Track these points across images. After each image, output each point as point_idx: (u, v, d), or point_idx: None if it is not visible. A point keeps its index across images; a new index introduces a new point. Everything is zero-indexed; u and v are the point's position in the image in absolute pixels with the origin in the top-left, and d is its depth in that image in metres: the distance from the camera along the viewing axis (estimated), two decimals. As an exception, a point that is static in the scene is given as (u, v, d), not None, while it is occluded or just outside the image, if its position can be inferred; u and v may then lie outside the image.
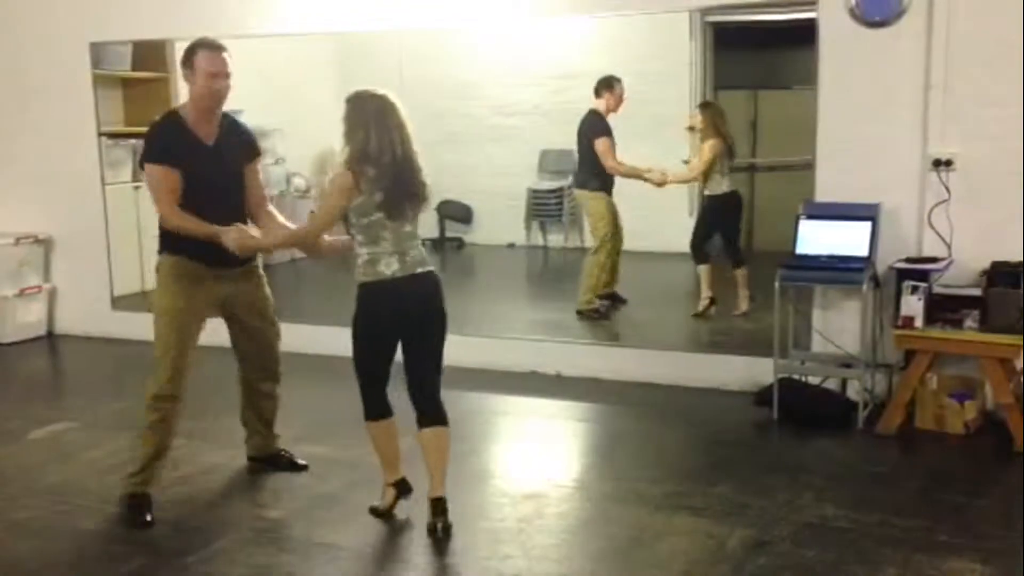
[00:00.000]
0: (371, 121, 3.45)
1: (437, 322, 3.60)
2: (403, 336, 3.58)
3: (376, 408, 3.64)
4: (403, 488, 3.73)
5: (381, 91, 3.53)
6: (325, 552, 3.51)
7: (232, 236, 3.64)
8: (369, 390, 3.63)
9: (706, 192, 6.39)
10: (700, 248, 6.39)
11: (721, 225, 6.40)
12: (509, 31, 7.06)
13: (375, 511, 3.73)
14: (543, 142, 7.92)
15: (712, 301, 6.33)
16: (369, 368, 3.61)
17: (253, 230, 3.78)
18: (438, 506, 3.55)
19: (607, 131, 6.29)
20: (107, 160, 6.70)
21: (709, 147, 6.21)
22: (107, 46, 6.68)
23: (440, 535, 3.52)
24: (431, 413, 3.60)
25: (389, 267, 3.50)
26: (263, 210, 3.97)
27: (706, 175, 6.30)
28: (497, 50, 7.70)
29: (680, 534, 3.56)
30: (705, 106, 6.36)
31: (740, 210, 6.51)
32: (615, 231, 6.42)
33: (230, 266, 3.86)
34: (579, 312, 6.38)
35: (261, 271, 4.07)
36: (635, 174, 6.31)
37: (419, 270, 3.55)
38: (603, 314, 6.38)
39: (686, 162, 6.54)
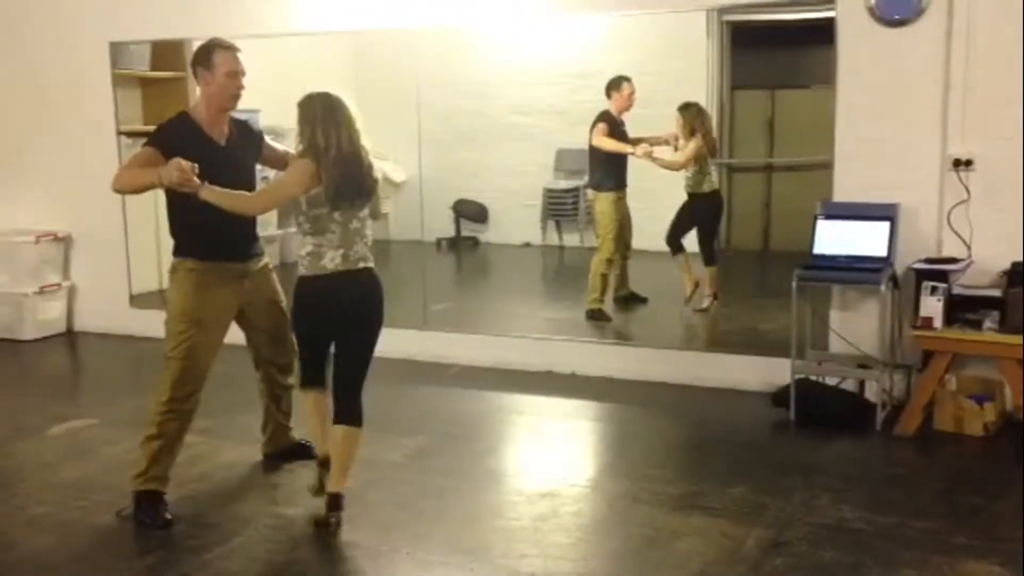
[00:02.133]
0: (317, 118, 3.53)
1: (369, 322, 3.67)
2: (336, 331, 3.66)
3: (308, 379, 3.80)
4: (326, 464, 3.76)
5: (329, 91, 3.60)
6: (341, 550, 3.53)
7: (167, 171, 3.43)
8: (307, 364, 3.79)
9: (688, 190, 6.40)
10: (675, 240, 6.42)
11: (699, 223, 6.42)
12: (525, 29, 7.06)
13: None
14: (559, 141, 7.91)
15: (696, 285, 6.35)
16: (307, 354, 3.77)
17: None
18: (333, 501, 3.62)
19: (605, 119, 6.31)
20: (125, 159, 6.73)
21: (693, 144, 6.26)
22: (126, 46, 6.71)
23: (331, 531, 3.58)
24: (347, 412, 3.64)
25: (332, 261, 3.57)
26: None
27: (694, 175, 6.34)
28: (513, 49, 7.71)
29: (696, 534, 3.55)
30: (685, 107, 6.37)
31: (720, 210, 6.56)
32: (620, 233, 6.43)
33: (245, 260, 3.89)
34: (586, 313, 6.39)
35: (271, 266, 4.11)
36: (620, 150, 6.31)
37: (360, 265, 3.63)
38: (607, 318, 6.37)
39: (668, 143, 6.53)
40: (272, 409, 4.26)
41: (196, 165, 3.48)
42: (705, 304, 6.34)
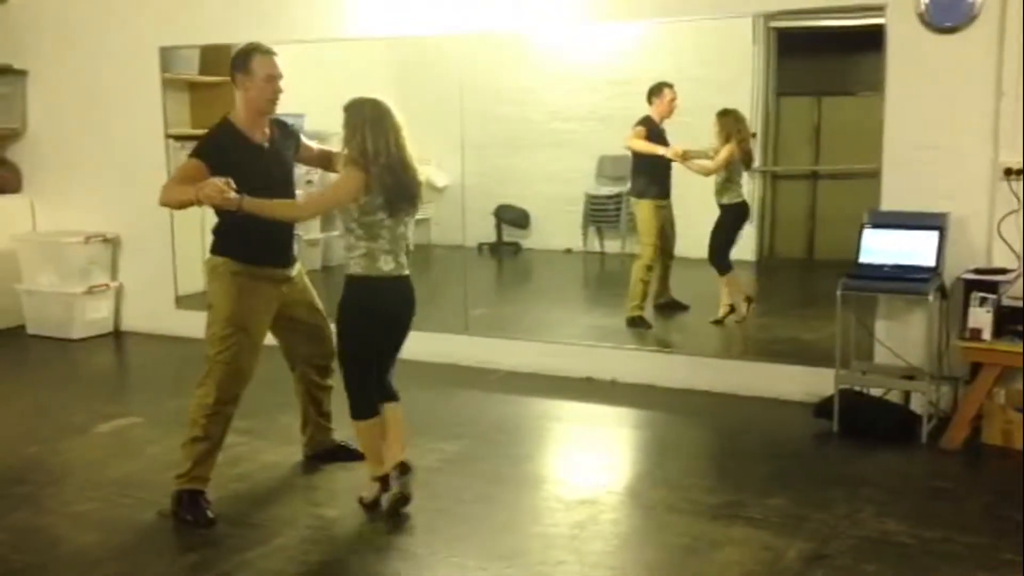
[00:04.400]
0: (367, 124, 3.58)
1: (409, 325, 3.82)
2: (384, 331, 3.76)
3: (371, 406, 3.78)
4: (386, 482, 3.83)
5: (376, 97, 3.66)
6: (379, 552, 3.54)
7: (204, 191, 3.47)
8: (361, 386, 3.76)
9: (721, 201, 6.36)
10: (721, 258, 6.37)
11: (726, 234, 6.38)
12: (567, 36, 7.06)
13: (362, 501, 3.83)
14: (601, 147, 7.89)
15: (731, 310, 6.31)
16: (363, 362, 3.75)
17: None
18: (404, 468, 3.87)
19: (643, 124, 6.30)
20: (174, 162, 6.83)
21: (726, 149, 6.24)
22: (176, 50, 6.82)
23: (400, 498, 3.77)
24: (390, 393, 3.86)
25: (387, 264, 3.67)
26: (332, 156, 4.18)
27: (722, 183, 6.32)
28: (555, 55, 7.70)
29: (736, 545, 3.52)
30: (723, 113, 6.32)
31: (741, 221, 6.45)
32: (662, 240, 6.39)
33: (283, 266, 3.94)
34: (626, 321, 6.36)
35: (303, 270, 4.16)
36: (652, 151, 6.29)
37: (405, 272, 3.75)
38: (647, 325, 6.34)
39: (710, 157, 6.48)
40: (311, 412, 4.29)
41: (231, 180, 3.51)
42: (722, 314, 6.29)
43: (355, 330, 3.72)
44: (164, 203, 3.76)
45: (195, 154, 3.76)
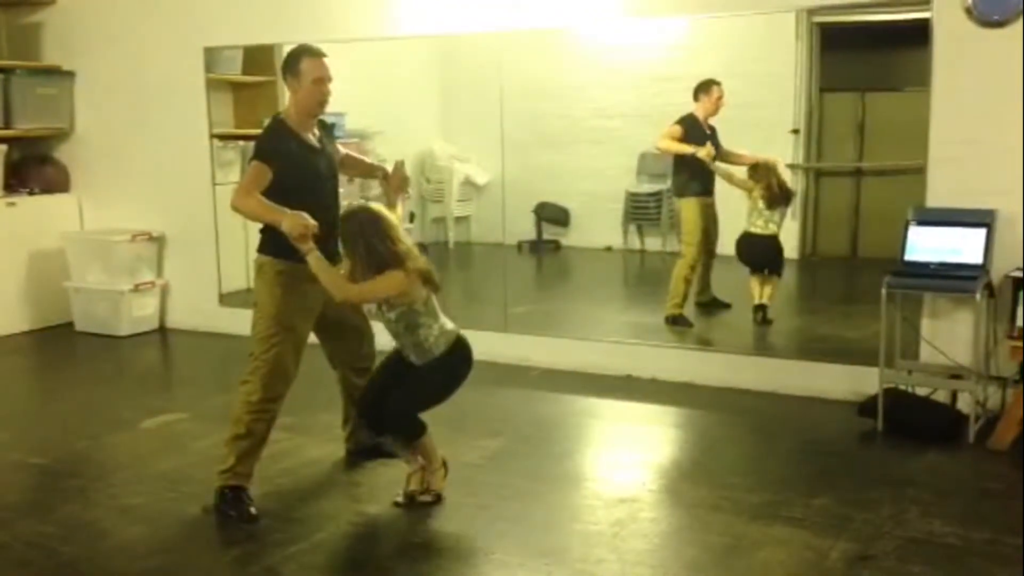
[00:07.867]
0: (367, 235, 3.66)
1: None
2: None
3: None
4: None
5: (367, 205, 3.79)
6: (419, 548, 3.56)
7: (289, 222, 3.55)
8: None
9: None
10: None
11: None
12: (610, 32, 7.03)
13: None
14: (642, 145, 7.85)
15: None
16: None
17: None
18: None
19: (680, 123, 6.25)
20: (217, 161, 6.94)
21: (753, 186, 6.22)
22: (219, 51, 6.91)
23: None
24: None
25: None
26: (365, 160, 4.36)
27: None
28: (597, 52, 7.68)
29: (778, 545, 3.49)
30: (753, 168, 6.25)
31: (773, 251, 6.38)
32: (706, 238, 6.35)
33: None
34: (665, 319, 6.33)
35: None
36: (681, 151, 6.25)
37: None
38: (688, 323, 6.30)
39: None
40: (351, 411, 4.32)
41: (317, 225, 3.57)
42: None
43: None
44: (239, 211, 3.75)
45: (257, 157, 3.78)
